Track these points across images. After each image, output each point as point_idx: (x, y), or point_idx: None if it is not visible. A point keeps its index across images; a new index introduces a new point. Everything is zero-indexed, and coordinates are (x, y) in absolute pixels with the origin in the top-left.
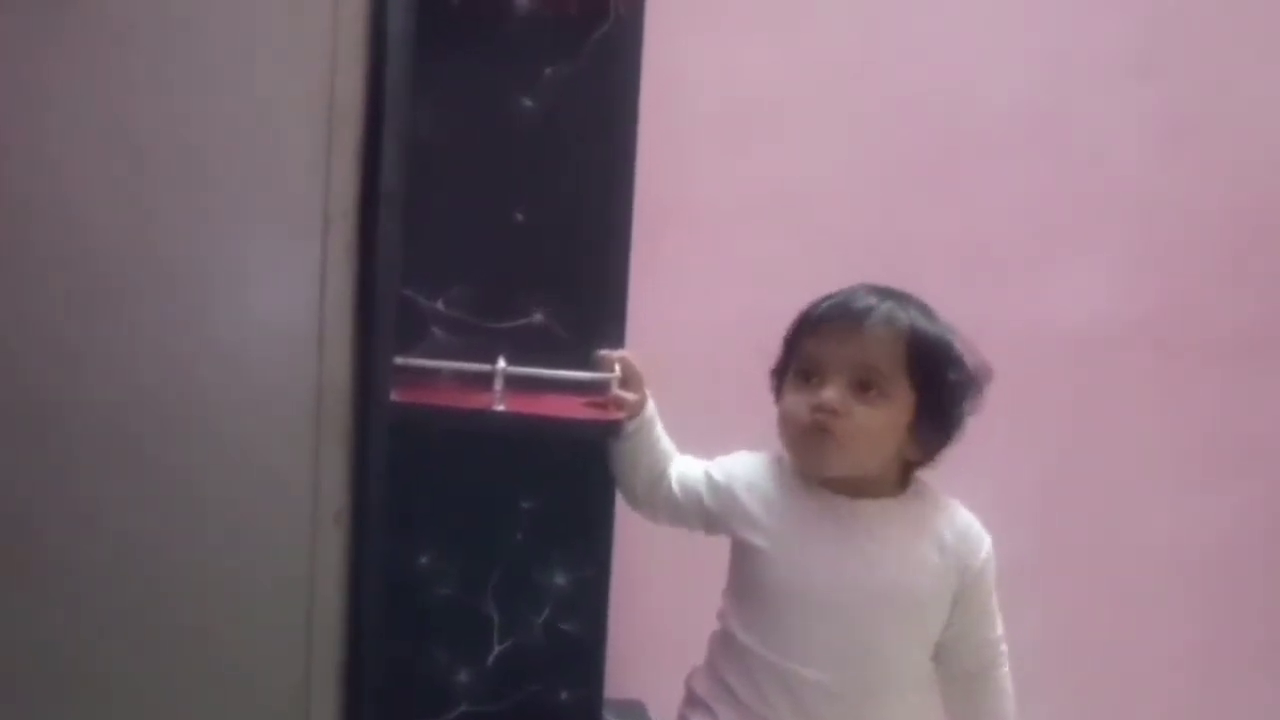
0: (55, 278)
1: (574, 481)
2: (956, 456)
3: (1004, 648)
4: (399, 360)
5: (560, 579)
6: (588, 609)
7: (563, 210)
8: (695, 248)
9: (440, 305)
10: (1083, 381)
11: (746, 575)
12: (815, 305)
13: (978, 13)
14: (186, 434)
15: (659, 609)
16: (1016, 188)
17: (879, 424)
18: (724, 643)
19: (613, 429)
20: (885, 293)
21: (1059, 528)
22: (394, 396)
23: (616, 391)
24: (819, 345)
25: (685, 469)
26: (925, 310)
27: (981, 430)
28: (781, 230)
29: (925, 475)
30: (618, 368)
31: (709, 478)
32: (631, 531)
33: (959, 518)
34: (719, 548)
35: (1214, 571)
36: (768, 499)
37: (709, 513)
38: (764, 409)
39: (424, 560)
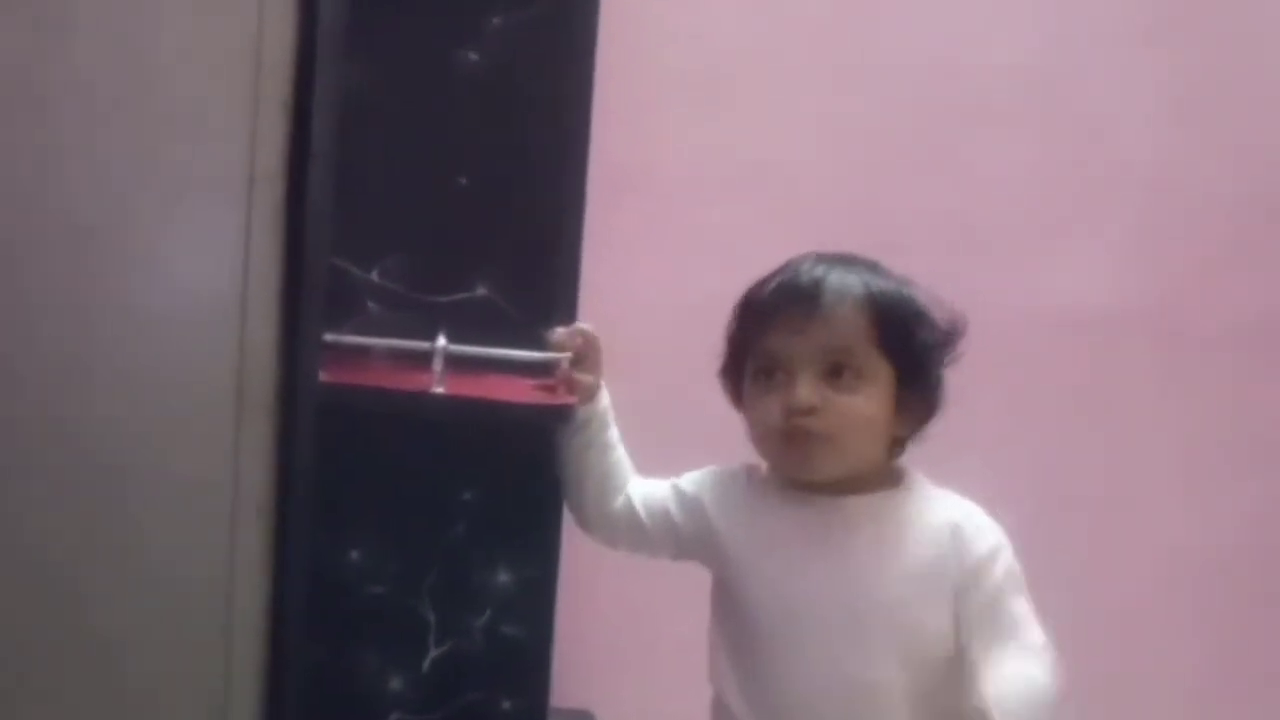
0: None
1: (519, 471)
2: (944, 453)
3: (1048, 656)
4: (328, 336)
5: (503, 577)
6: (533, 610)
7: (511, 174)
8: (657, 219)
9: (375, 276)
10: (1082, 373)
11: (727, 609)
12: (754, 292)
13: None
14: (88, 418)
15: (611, 611)
16: (1012, 161)
17: (863, 409)
18: (718, 715)
19: (563, 414)
20: (828, 261)
21: (1054, 531)
22: (323, 376)
23: (569, 370)
24: (775, 338)
25: (649, 487)
26: (875, 269)
27: (971, 425)
28: (754, 202)
29: (915, 468)
30: (571, 347)
31: (676, 490)
32: None
33: (956, 508)
34: None
35: (1224, 581)
36: (739, 512)
37: (678, 531)
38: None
39: (354, 556)
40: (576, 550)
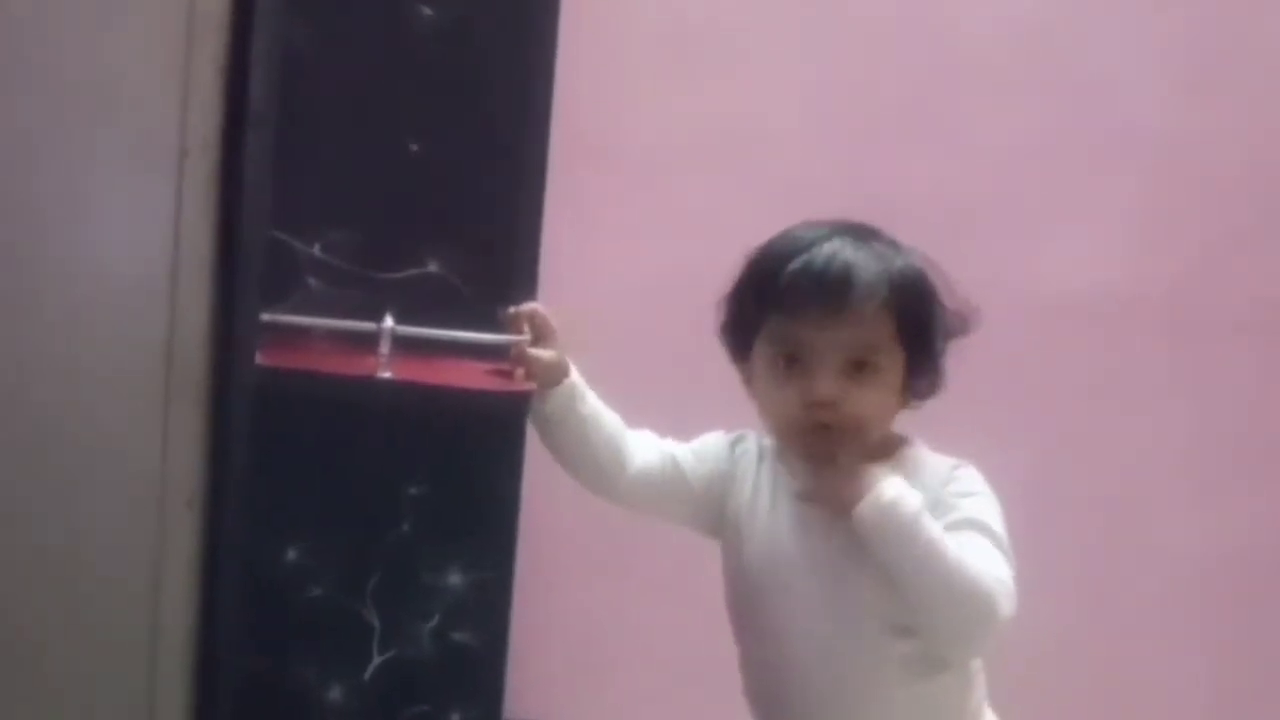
0: None
1: (472, 464)
2: (939, 450)
3: (997, 554)
4: (266, 316)
5: (454, 579)
6: (486, 615)
7: (466, 141)
8: (624, 190)
9: (317, 251)
10: (1085, 364)
11: (726, 574)
12: (773, 262)
13: None
14: (4, 405)
15: (570, 616)
16: (1008, 130)
17: (880, 401)
18: None
19: (520, 402)
20: (849, 237)
21: (1055, 532)
22: (259, 359)
23: (527, 350)
24: (800, 329)
25: (661, 452)
26: (894, 247)
27: (966, 420)
28: (729, 175)
29: (916, 439)
30: (527, 328)
31: (689, 453)
32: (539, 524)
33: (943, 465)
34: (642, 545)
35: (1236, 585)
36: (752, 472)
37: (692, 495)
38: (702, 382)
39: (292, 555)
40: (533, 550)
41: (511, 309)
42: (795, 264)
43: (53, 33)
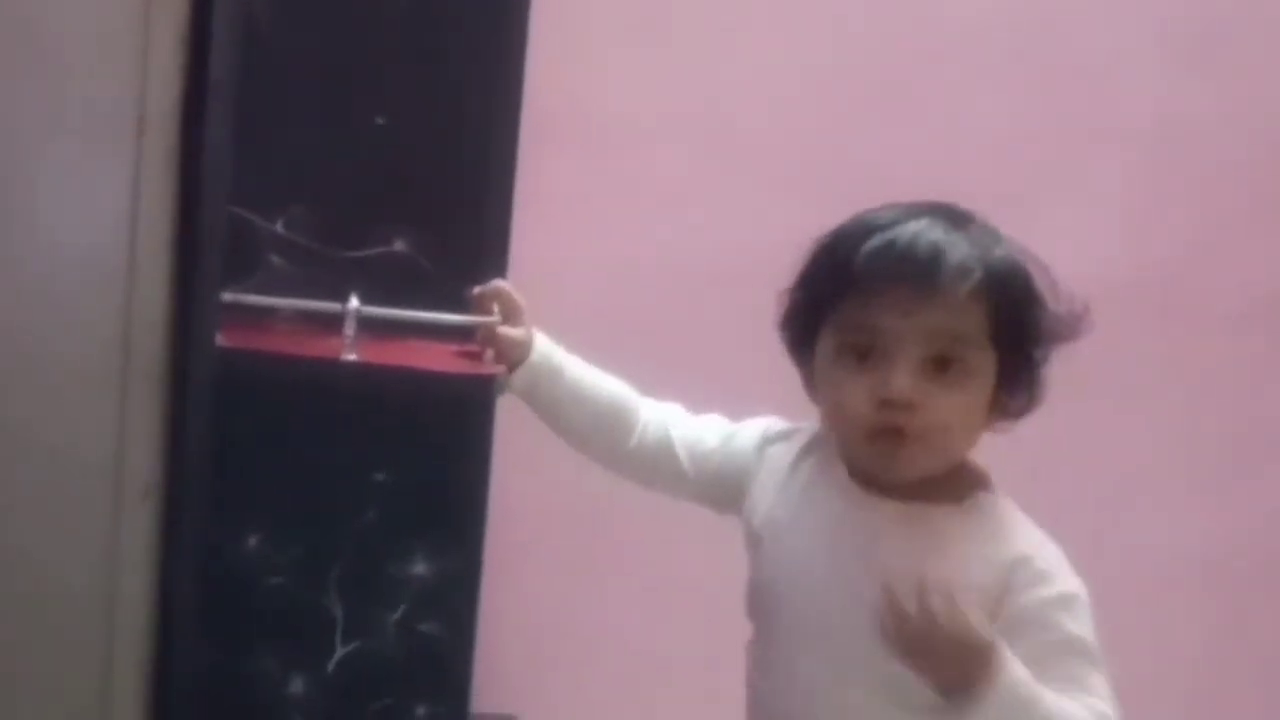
0: None
1: (440, 450)
2: None
3: (1107, 690)
4: (227, 296)
5: (420, 569)
6: (453, 606)
7: (434, 115)
8: (597, 169)
9: (279, 228)
10: (1073, 355)
11: (751, 582)
12: (849, 240)
13: None
14: None
15: (540, 608)
16: (993, 111)
17: (965, 410)
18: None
19: (489, 384)
20: (939, 218)
21: (1044, 524)
22: (220, 341)
23: (498, 328)
24: (878, 313)
25: (694, 429)
26: (994, 236)
27: None
28: (706, 153)
29: (996, 485)
30: (496, 308)
31: (726, 440)
32: (509, 512)
33: (1025, 544)
34: (616, 535)
35: (1229, 577)
36: (782, 479)
37: (718, 481)
38: (677, 367)
39: (252, 543)
40: (503, 540)
41: (478, 289)
42: (875, 241)
43: (6, 3)
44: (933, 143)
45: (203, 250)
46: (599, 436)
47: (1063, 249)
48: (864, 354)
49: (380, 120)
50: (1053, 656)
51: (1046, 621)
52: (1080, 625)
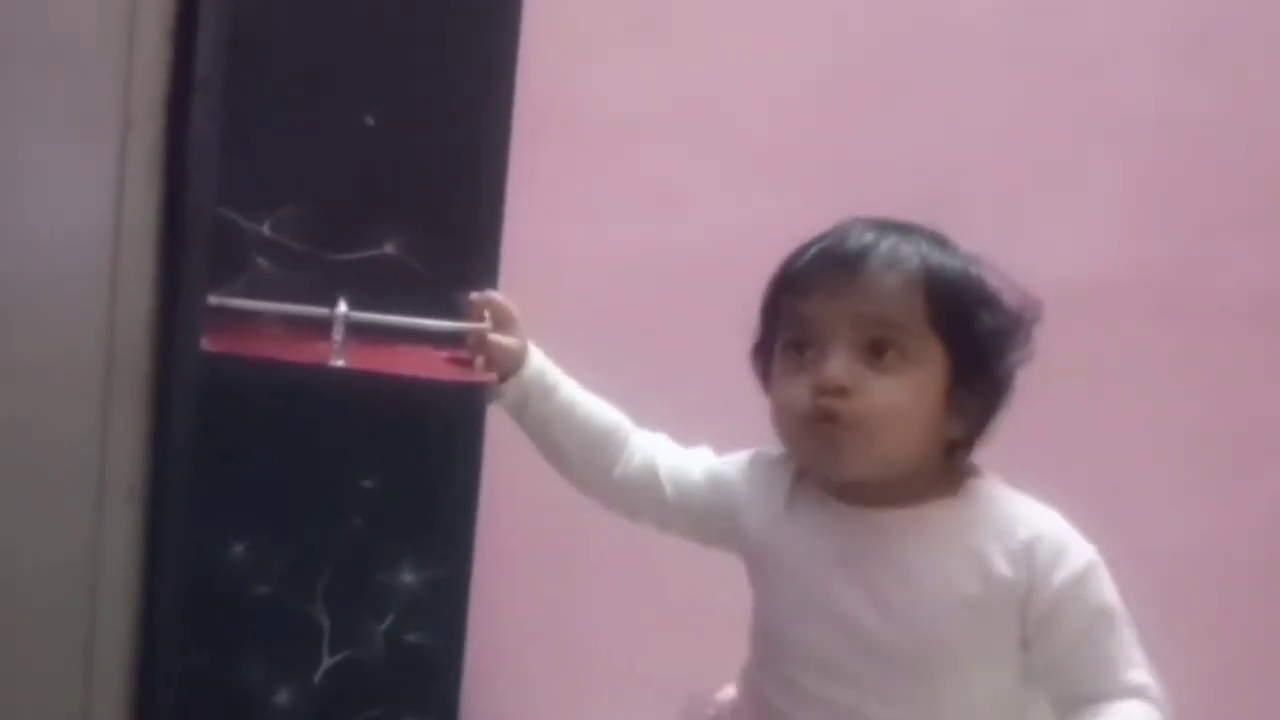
0: None
1: (429, 457)
2: None
3: (1152, 696)
4: (213, 299)
5: (408, 577)
6: (441, 615)
7: (424, 113)
8: (591, 166)
9: (267, 229)
10: (1072, 352)
11: (755, 611)
12: (795, 255)
13: None
14: None
15: (528, 617)
16: (991, 105)
17: (904, 397)
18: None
19: (479, 392)
20: (883, 226)
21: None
22: (205, 345)
23: (487, 337)
24: (810, 304)
25: (680, 460)
26: (938, 240)
27: None
28: (700, 148)
29: (988, 471)
30: (487, 315)
31: (712, 472)
32: (498, 520)
33: (1032, 521)
34: (605, 543)
35: (1229, 583)
36: (768, 511)
37: (705, 517)
38: (671, 365)
39: (238, 551)
40: (492, 547)
41: (473, 295)
42: (816, 248)
43: None
44: (932, 142)
45: (188, 252)
46: (585, 461)
47: (1063, 248)
48: (802, 349)
49: (369, 120)
50: (1089, 637)
51: (1077, 599)
52: (1106, 590)
